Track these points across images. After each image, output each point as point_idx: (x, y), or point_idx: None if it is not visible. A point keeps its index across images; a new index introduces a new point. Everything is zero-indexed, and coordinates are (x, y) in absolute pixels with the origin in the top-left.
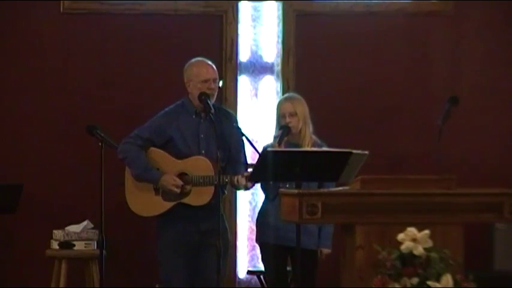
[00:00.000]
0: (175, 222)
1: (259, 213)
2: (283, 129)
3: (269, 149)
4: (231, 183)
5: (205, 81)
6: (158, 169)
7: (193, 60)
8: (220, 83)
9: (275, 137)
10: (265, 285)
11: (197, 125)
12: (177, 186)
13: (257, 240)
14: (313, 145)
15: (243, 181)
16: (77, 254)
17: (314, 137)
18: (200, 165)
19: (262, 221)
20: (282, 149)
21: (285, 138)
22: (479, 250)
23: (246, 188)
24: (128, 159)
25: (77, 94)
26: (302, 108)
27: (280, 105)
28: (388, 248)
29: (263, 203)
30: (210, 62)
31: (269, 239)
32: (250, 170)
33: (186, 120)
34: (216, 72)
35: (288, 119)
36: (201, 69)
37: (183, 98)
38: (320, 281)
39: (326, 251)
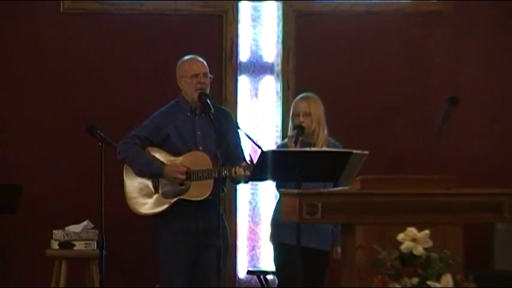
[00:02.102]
0: (174, 221)
1: (274, 212)
2: (298, 129)
3: (283, 147)
4: (230, 176)
5: (195, 75)
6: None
7: (184, 58)
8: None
9: (289, 137)
10: (266, 285)
11: (193, 122)
12: (181, 173)
13: (271, 240)
14: (327, 146)
15: (241, 171)
16: (77, 254)
17: (329, 137)
18: (198, 159)
19: (278, 220)
20: (282, 149)
21: (300, 138)
22: (479, 250)
23: (246, 180)
24: (129, 157)
25: (77, 94)
26: (317, 108)
27: (295, 104)
28: (388, 248)
29: (277, 203)
30: (200, 58)
31: (285, 238)
32: (248, 160)
33: (182, 118)
34: (207, 67)
35: (301, 119)
36: (191, 65)
37: (177, 98)
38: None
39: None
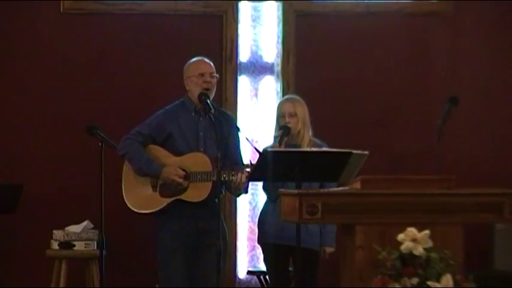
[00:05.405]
0: (173, 221)
1: (260, 213)
2: (283, 129)
3: (269, 149)
4: (227, 187)
5: (202, 74)
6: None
7: (191, 59)
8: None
9: (275, 137)
10: (265, 285)
11: (196, 123)
12: (179, 176)
13: (259, 241)
14: (313, 146)
15: (243, 177)
16: (77, 254)
17: (314, 138)
18: (198, 161)
19: (263, 221)
20: (282, 149)
21: (285, 139)
22: (479, 250)
23: (245, 190)
24: (129, 154)
25: (77, 94)
26: (302, 109)
27: (280, 106)
28: (388, 248)
29: (265, 204)
30: (207, 60)
31: (271, 239)
32: (247, 167)
33: (186, 118)
34: (213, 67)
35: (287, 119)
36: (199, 64)
37: (183, 98)
38: (320, 281)
39: (329, 249)
